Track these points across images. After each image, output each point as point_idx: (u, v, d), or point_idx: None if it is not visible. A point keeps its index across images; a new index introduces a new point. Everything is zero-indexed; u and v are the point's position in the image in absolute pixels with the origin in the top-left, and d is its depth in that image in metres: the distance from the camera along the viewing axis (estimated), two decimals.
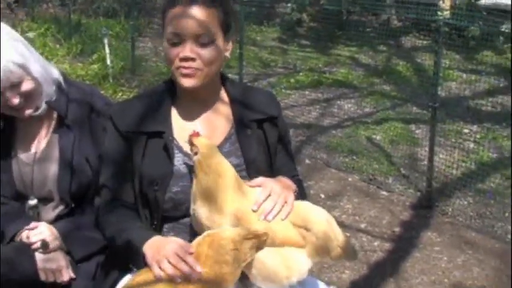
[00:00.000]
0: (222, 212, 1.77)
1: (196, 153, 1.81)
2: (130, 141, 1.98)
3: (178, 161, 1.96)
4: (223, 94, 2.08)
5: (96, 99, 2.32)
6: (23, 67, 2.14)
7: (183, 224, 1.95)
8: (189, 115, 2.02)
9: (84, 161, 2.24)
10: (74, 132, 2.26)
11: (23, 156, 2.29)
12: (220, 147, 1.98)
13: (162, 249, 1.73)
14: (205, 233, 1.75)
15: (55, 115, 2.29)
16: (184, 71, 1.90)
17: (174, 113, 2.02)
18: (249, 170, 1.98)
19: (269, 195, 1.84)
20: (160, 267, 1.69)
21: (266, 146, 2.05)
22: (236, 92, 2.08)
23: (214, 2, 1.91)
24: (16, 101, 2.14)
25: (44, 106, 2.23)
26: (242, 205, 1.79)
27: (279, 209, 1.82)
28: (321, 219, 1.86)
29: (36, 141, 2.30)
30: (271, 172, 2.03)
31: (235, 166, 1.94)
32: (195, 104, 2.00)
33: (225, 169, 1.82)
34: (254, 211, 1.80)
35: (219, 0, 1.94)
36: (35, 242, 2.16)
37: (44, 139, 2.30)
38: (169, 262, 1.69)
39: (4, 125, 2.30)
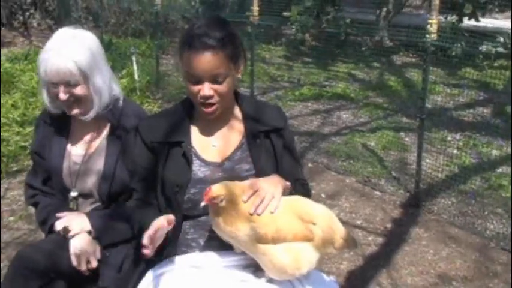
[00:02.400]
0: (244, 221, 1.77)
1: (222, 200, 1.75)
2: (154, 151, 1.98)
3: (196, 166, 1.95)
4: (237, 110, 2.06)
5: None
6: (83, 74, 2.12)
7: (202, 222, 1.95)
8: (206, 129, 2.02)
9: (124, 169, 2.25)
10: (121, 142, 2.26)
11: (74, 155, 2.29)
12: (232, 155, 1.99)
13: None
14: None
15: (108, 124, 2.29)
16: (207, 110, 1.92)
17: (193, 127, 2.02)
18: (258, 175, 1.96)
19: (256, 191, 1.79)
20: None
21: (273, 153, 2.03)
22: (248, 108, 2.06)
23: (224, 45, 1.85)
24: (64, 97, 2.13)
25: (92, 115, 2.21)
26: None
27: (267, 203, 1.77)
28: (324, 214, 1.86)
29: (87, 144, 2.30)
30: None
31: (246, 170, 1.95)
32: (211, 120, 1.99)
33: (236, 188, 1.80)
34: (244, 202, 1.77)
35: (228, 40, 1.87)
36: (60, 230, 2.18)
37: (94, 143, 2.30)
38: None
39: (60, 125, 2.29)
